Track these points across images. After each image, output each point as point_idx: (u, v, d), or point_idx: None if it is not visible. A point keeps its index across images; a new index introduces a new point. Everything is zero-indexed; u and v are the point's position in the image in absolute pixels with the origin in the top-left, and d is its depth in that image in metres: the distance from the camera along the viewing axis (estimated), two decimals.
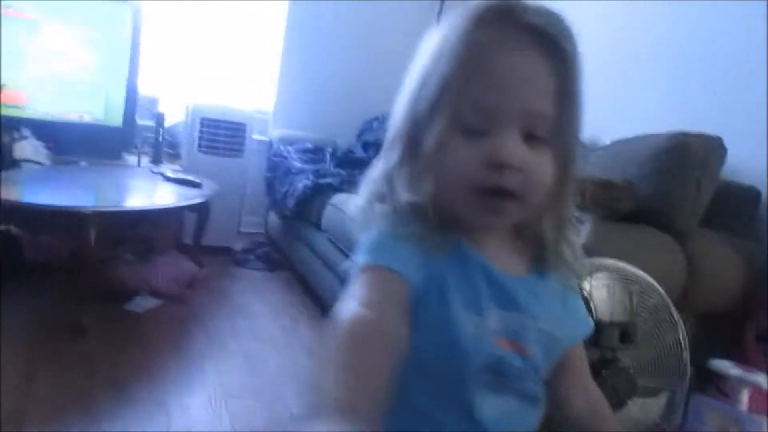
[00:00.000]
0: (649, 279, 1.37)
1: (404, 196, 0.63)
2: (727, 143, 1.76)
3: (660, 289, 1.37)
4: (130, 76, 2.83)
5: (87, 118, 2.74)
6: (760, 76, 2.02)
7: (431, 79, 0.60)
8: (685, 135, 1.70)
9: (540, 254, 0.68)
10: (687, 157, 1.67)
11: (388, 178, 0.65)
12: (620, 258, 1.36)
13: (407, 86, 0.64)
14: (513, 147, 0.58)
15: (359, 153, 3.40)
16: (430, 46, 0.62)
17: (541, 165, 0.60)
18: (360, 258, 0.60)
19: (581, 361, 0.74)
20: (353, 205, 0.69)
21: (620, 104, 2.54)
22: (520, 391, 0.63)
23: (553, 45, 0.59)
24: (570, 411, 0.71)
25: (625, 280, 1.35)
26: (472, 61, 0.58)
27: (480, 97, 0.58)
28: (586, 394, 0.73)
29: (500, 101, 0.58)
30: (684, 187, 1.67)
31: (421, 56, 0.63)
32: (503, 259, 0.65)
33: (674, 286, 1.57)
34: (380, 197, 0.65)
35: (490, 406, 0.61)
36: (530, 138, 0.60)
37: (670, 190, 1.67)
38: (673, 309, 1.36)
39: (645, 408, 1.36)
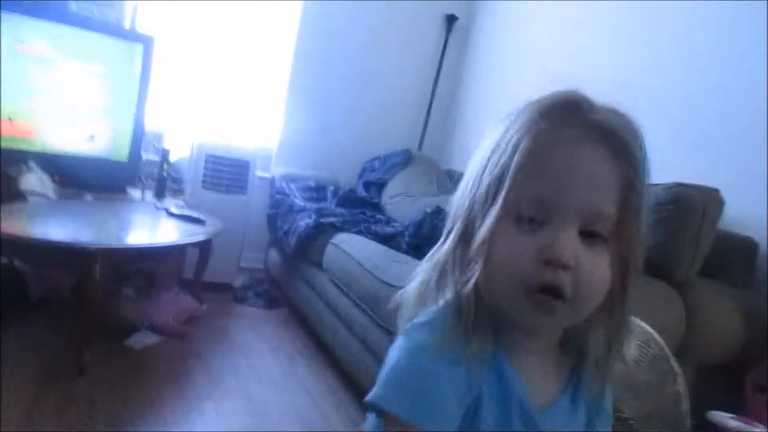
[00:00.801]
0: (650, 329, 1.38)
1: (452, 285, 0.61)
2: (722, 194, 1.79)
3: (660, 339, 1.37)
4: (138, 111, 2.88)
5: (94, 152, 2.78)
6: (756, 128, 2.06)
7: (492, 168, 0.59)
8: (685, 186, 1.73)
9: (581, 366, 0.65)
10: (687, 209, 1.69)
11: (441, 265, 0.63)
12: None
13: (469, 175, 0.63)
14: (567, 243, 0.56)
15: (361, 192, 3.44)
16: (495, 136, 0.61)
17: (595, 266, 0.57)
18: (392, 397, 0.56)
19: None
20: (406, 290, 0.66)
21: None
22: None
23: (618, 144, 0.58)
24: None
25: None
26: (533, 153, 0.57)
27: (538, 189, 0.57)
28: None
29: (558, 196, 0.56)
30: (684, 238, 1.69)
31: (486, 145, 0.62)
32: (538, 377, 0.63)
33: (674, 336, 1.58)
34: (432, 283, 0.64)
35: None
36: (589, 237, 0.57)
37: (671, 241, 1.69)
38: (673, 360, 1.37)
39: None
